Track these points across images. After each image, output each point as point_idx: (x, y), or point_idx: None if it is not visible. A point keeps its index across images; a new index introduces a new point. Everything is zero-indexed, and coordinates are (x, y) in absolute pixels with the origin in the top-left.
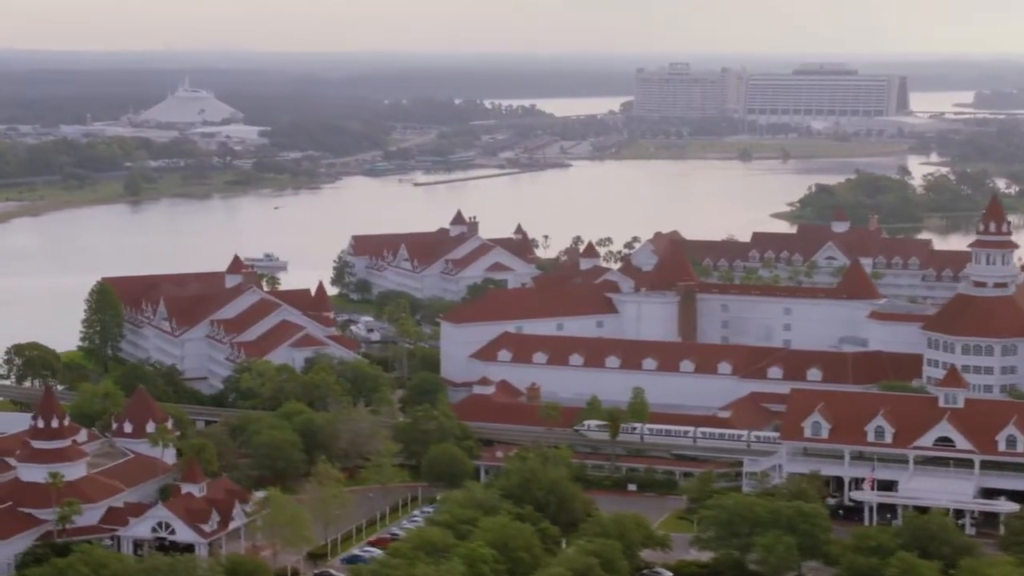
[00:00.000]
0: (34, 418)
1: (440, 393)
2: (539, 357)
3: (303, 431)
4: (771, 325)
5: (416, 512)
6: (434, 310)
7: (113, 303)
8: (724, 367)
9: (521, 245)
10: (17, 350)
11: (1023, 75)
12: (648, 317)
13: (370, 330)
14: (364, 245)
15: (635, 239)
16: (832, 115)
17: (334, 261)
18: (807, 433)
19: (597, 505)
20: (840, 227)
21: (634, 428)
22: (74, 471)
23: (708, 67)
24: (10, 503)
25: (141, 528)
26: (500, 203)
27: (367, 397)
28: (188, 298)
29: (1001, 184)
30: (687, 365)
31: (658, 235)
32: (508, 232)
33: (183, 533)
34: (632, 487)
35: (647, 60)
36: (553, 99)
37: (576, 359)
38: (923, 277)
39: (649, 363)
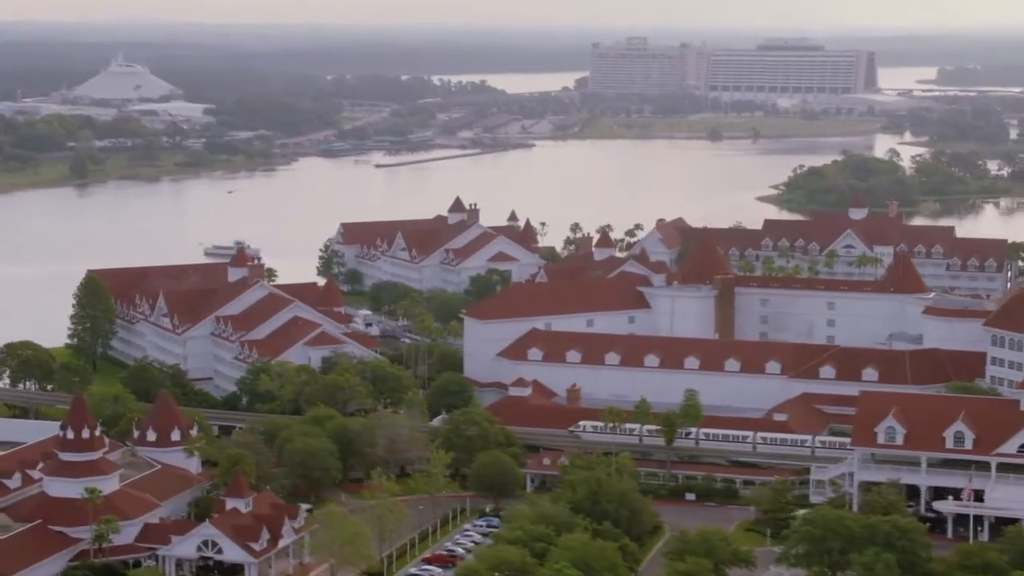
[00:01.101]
0: (63, 428)
1: (468, 394)
2: (572, 355)
3: (336, 438)
4: (814, 321)
5: (467, 526)
6: (436, 303)
7: (103, 297)
8: (772, 366)
9: (523, 234)
10: (9, 350)
11: (983, 50)
12: (683, 312)
13: (368, 324)
14: (354, 233)
15: (638, 226)
16: (798, 92)
17: (320, 250)
18: (880, 439)
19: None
20: (858, 214)
21: (688, 433)
22: (107, 486)
23: (667, 42)
24: (39, 520)
25: (185, 547)
26: (469, 186)
27: (388, 398)
28: (189, 292)
29: (993, 166)
30: (732, 364)
31: (661, 223)
32: (492, 218)
33: (231, 552)
34: (690, 496)
35: (602, 34)
36: (503, 75)
37: (612, 358)
38: (947, 266)
39: (691, 362)
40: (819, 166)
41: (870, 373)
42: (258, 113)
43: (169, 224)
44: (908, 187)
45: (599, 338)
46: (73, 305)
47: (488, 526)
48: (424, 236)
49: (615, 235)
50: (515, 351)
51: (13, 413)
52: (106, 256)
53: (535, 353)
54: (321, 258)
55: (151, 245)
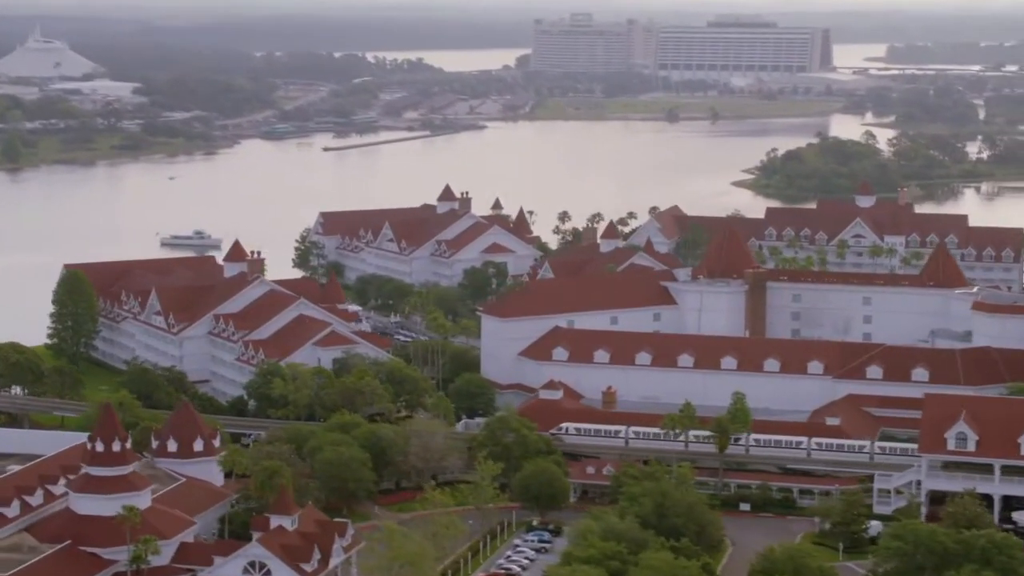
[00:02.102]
0: (91, 440)
1: (490, 397)
2: (600, 355)
3: (367, 446)
4: (850, 317)
5: (517, 540)
6: (432, 298)
7: (86, 294)
8: (815, 366)
9: (517, 224)
10: None
11: (930, 28)
12: (712, 308)
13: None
14: (335, 223)
15: (631, 215)
16: (751, 71)
17: (296, 240)
18: (951, 445)
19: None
20: (865, 201)
21: (737, 438)
22: (140, 502)
23: (612, 18)
24: (69, 541)
25: (230, 568)
26: (428, 171)
27: (404, 402)
28: (183, 289)
29: (973, 149)
30: (772, 364)
31: (654, 211)
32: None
33: (280, 574)
34: (745, 507)
35: (544, 10)
36: (440, 51)
37: (643, 357)
38: (962, 256)
39: (728, 362)
40: (795, 150)
41: (920, 373)
42: (192, 93)
43: (118, 212)
44: (890, 172)
45: (628, 337)
46: (53, 302)
47: (540, 541)
48: (412, 226)
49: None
50: (539, 351)
51: (7, 421)
52: (58, 247)
53: (560, 353)
54: (297, 249)
55: (104, 235)
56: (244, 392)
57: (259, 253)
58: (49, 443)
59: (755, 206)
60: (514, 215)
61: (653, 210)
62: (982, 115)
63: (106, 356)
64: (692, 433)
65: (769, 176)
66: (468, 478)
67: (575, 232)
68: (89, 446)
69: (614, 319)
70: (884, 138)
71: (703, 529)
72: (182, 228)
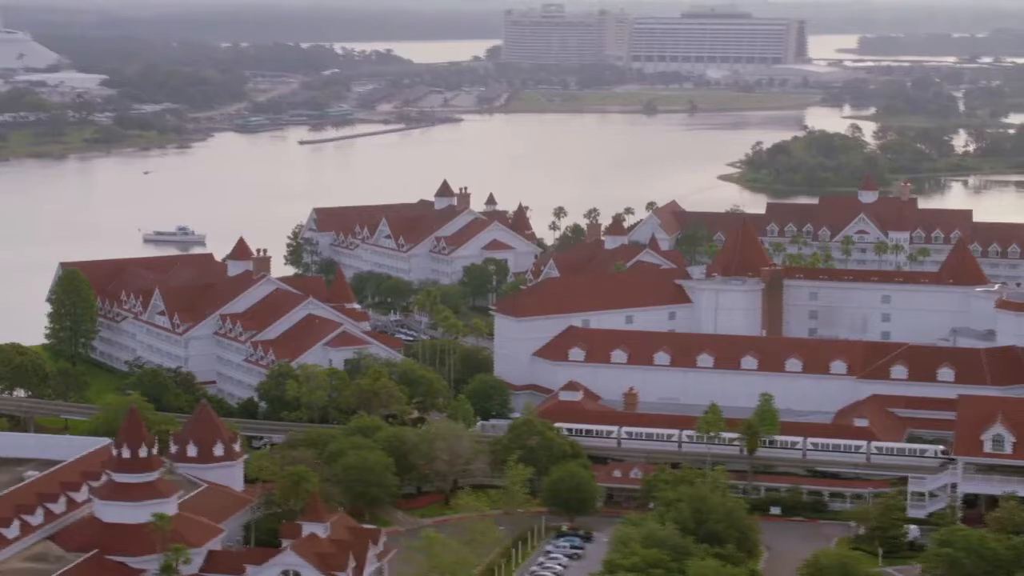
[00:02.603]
0: (117, 446)
1: (505, 398)
2: (618, 355)
3: (390, 450)
4: (868, 315)
5: (549, 546)
6: (436, 296)
7: (84, 293)
8: (838, 366)
9: (516, 220)
10: None
11: (897, 18)
12: (729, 307)
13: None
14: (329, 219)
15: (628, 210)
16: (726, 62)
17: (288, 237)
18: (987, 447)
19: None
20: (868, 197)
21: (769, 441)
22: (167, 510)
23: (584, 9)
24: (96, 550)
25: None
26: (407, 164)
27: (420, 403)
28: (186, 288)
29: (960, 143)
30: (793, 364)
31: (651, 207)
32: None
33: None
34: (775, 510)
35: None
36: (408, 43)
37: (662, 357)
38: None
39: (748, 362)
40: (781, 143)
41: (945, 373)
42: (162, 85)
43: (96, 208)
44: (879, 166)
45: (646, 336)
46: (50, 301)
47: (572, 547)
48: (410, 222)
49: (601, 219)
50: (554, 351)
51: (15, 425)
52: (38, 243)
53: (576, 353)
54: (289, 246)
55: (84, 231)
56: (255, 394)
57: (265, 251)
58: (64, 448)
59: (744, 200)
60: (502, 209)
61: (651, 206)
62: (962, 108)
63: (104, 357)
64: (687, 434)
65: (756, 170)
66: (492, 482)
67: (576, 228)
68: (114, 452)
69: (629, 318)
70: (867, 131)
71: (743, 535)
72: (165, 224)
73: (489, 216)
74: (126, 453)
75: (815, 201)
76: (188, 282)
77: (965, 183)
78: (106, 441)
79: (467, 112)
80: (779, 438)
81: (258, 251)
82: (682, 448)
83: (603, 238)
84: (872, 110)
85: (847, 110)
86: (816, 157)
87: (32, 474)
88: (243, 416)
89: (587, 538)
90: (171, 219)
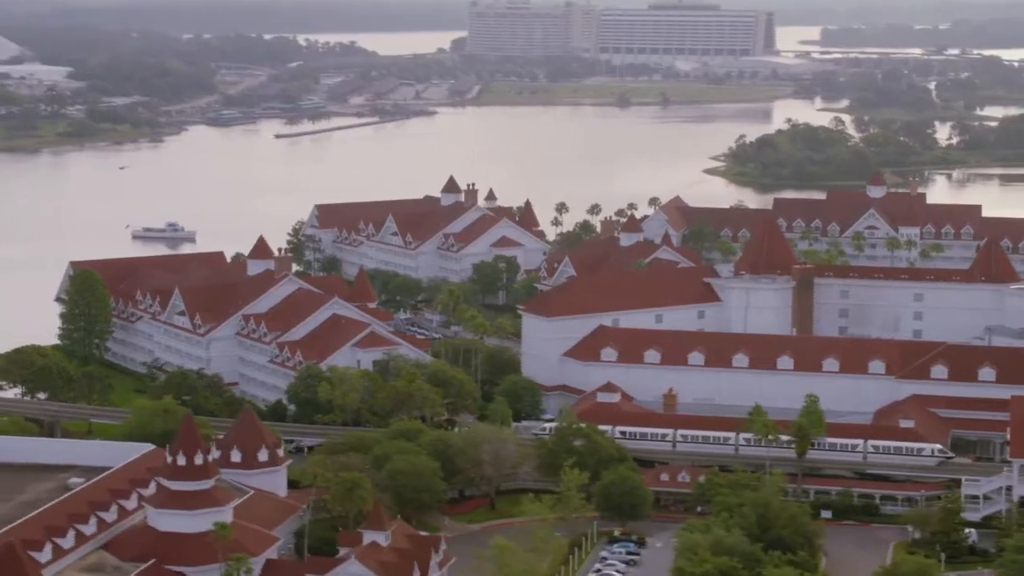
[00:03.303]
0: (172, 453)
1: (537, 400)
2: (651, 355)
3: (434, 454)
4: (899, 314)
5: (604, 553)
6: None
7: (99, 293)
8: (876, 366)
9: (524, 217)
10: (15, 355)
11: (857, 9)
12: (759, 306)
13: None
14: (331, 216)
15: (631, 206)
16: (694, 54)
17: (288, 234)
18: None
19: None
20: (876, 192)
21: (819, 443)
22: (223, 518)
23: (550, 0)
24: (154, 560)
25: None
26: (388, 158)
27: (452, 405)
28: (206, 288)
29: (943, 135)
30: (831, 364)
31: (655, 202)
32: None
33: None
34: (826, 514)
35: None
36: (372, 34)
37: (696, 357)
38: (978, 248)
39: (785, 361)
40: (766, 137)
41: (987, 373)
42: (130, 78)
43: (79, 204)
44: (866, 159)
45: (679, 336)
46: (64, 301)
47: (628, 553)
48: (416, 219)
49: (604, 215)
50: (585, 351)
51: (43, 431)
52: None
53: (609, 353)
54: (290, 243)
55: (70, 228)
56: (284, 396)
57: (285, 250)
58: (104, 454)
59: (731, 195)
60: (505, 206)
61: (654, 201)
62: (936, 100)
63: (118, 358)
64: (745, 436)
65: (743, 164)
66: (538, 486)
67: (585, 225)
68: (169, 459)
69: (659, 317)
70: (846, 124)
71: (807, 540)
72: (153, 220)
73: (496, 212)
74: (181, 460)
75: (804, 195)
76: (206, 281)
77: (949, 176)
78: (149, 446)
79: (439, 105)
80: (836, 440)
81: (279, 250)
82: (739, 451)
83: (618, 235)
84: (844, 102)
85: (818, 102)
86: (802, 151)
87: (76, 481)
88: (272, 419)
89: (641, 543)
90: (156, 215)
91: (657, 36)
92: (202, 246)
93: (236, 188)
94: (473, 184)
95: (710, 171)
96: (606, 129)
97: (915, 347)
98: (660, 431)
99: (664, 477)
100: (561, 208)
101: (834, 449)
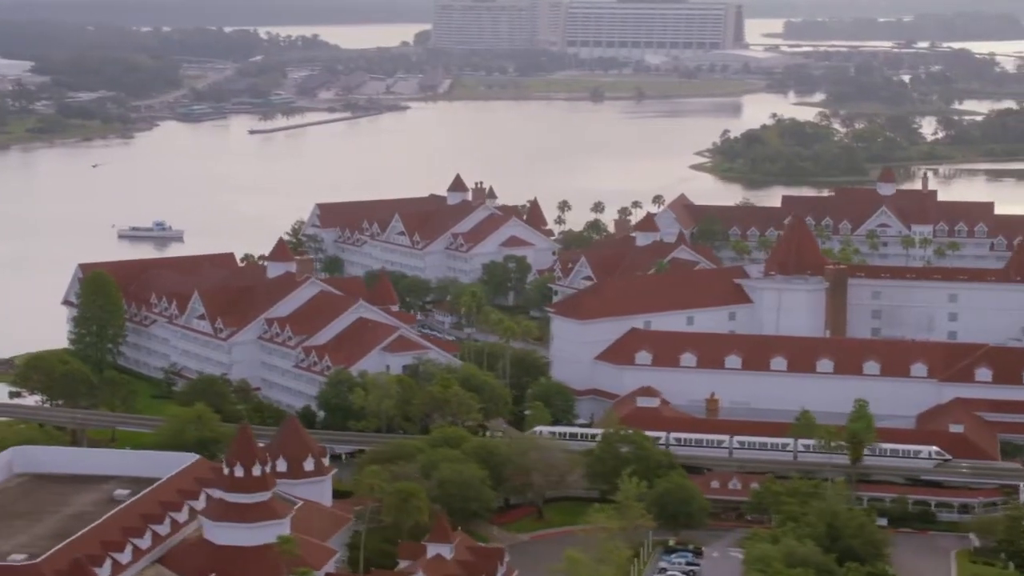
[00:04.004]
0: (229, 464)
1: (570, 404)
2: (687, 358)
3: (480, 462)
4: (933, 315)
5: (662, 563)
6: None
7: (112, 296)
8: (918, 368)
9: (532, 215)
10: (36, 362)
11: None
12: (792, 307)
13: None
14: (333, 215)
15: (636, 204)
16: (663, 48)
17: (287, 233)
18: None
19: None
20: (886, 189)
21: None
22: (282, 531)
23: None
24: (213, 574)
25: None
26: (368, 155)
27: (483, 410)
28: (225, 291)
29: (928, 130)
30: (872, 366)
31: (658, 200)
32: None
33: None
34: (882, 522)
35: None
36: (334, 27)
37: (733, 360)
38: (991, 246)
39: (824, 364)
40: (750, 131)
41: None
42: (96, 73)
43: (57, 203)
44: (855, 155)
45: (715, 338)
46: (76, 304)
47: (688, 563)
48: (423, 218)
49: (608, 214)
50: (619, 354)
51: (71, 439)
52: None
53: (643, 356)
54: (290, 242)
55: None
56: (313, 402)
57: (307, 252)
58: (145, 464)
59: (720, 191)
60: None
61: (658, 199)
62: (914, 94)
63: (131, 362)
64: (804, 443)
65: (731, 159)
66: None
67: (595, 224)
68: (227, 471)
69: (690, 319)
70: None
71: (877, 550)
72: (139, 219)
73: (506, 211)
74: (239, 471)
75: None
76: (224, 284)
77: (935, 171)
78: (192, 456)
79: (410, 99)
80: (901, 447)
81: (299, 252)
82: (797, 458)
83: (633, 234)
84: (819, 96)
85: (792, 96)
86: (790, 146)
87: (122, 493)
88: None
89: (698, 553)
90: (139, 214)
91: (625, 29)
92: (191, 245)
93: (217, 185)
94: (481, 183)
95: (697, 167)
96: (582, 124)
97: (957, 349)
98: (716, 437)
99: (715, 484)
100: (564, 206)
101: (884, 455)
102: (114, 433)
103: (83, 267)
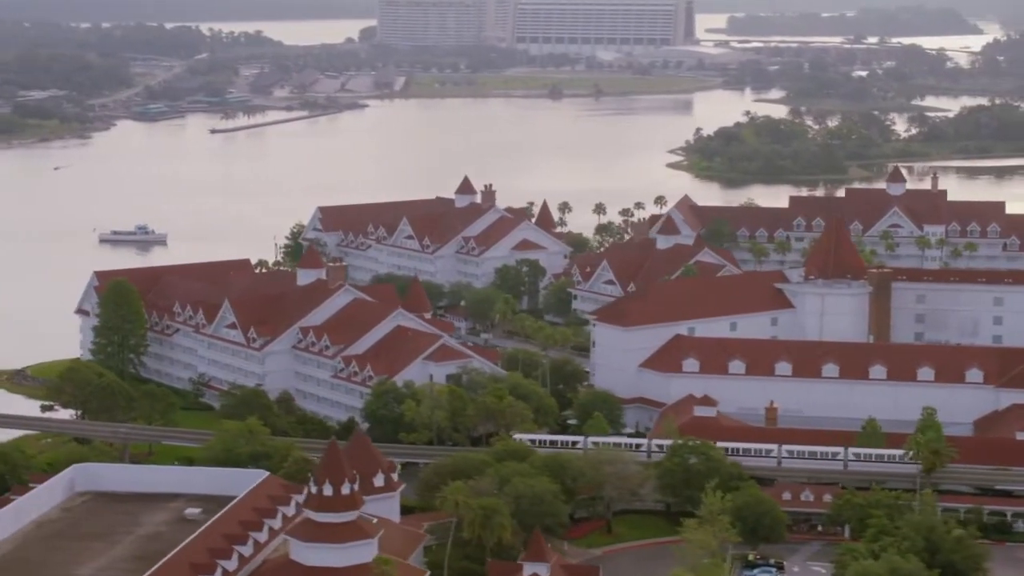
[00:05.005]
0: (317, 483)
1: (618, 414)
2: (736, 365)
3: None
4: (978, 318)
5: None
6: (473, 301)
7: (134, 305)
8: (974, 374)
9: (542, 217)
10: (72, 375)
11: None
12: (835, 312)
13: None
14: (336, 218)
15: (638, 205)
16: (614, 44)
17: (287, 237)
18: None
19: None
20: (896, 189)
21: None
22: (372, 551)
23: None
24: None
25: None
26: (335, 154)
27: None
28: (255, 299)
29: (901, 127)
30: (926, 372)
31: (660, 201)
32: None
33: None
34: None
35: None
36: (277, 22)
37: (783, 367)
38: (1004, 246)
39: (877, 371)
40: (723, 129)
41: None
42: (44, 71)
43: (28, 206)
44: (834, 153)
45: (764, 345)
46: (96, 314)
47: None
48: (431, 221)
49: (610, 216)
50: (665, 361)
51: (118, 456)
52: None
53: (691, 364)
54: (288, 246)
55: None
56: (356, 413)
57: (342, 260)
58: (211, 481)
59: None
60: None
61: (660, 200)
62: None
63: (151, 373)
64: (853, 451)
65: (709, 158)
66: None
67: (607, 227)
68: (315, 489)
69: (733, 325)
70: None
71: (976, 564)
72: (120, 223)
73: (515, 214)
74: (328, 490)
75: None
76: (254, 292)
77: (910, 169)
78: (262, 473)
79: (365, 97)
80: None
81: (333, 259)
82: (848, 467)
83: (654, 237)
84: (776, 93)
85: (748, 93)
86: (768, 144)
87: (193, 511)
88: (346, 439)
89: (780, 568)
90: (114, 217)
91: (576, 25)
92: (175, 250)
93: (191, 187)
94: (490, 185)
95: (673, 166)
96: (546, 122)
97: (1013, 354)
98: (788, 447)
99: (786, 496)
100: (564, 208)
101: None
102: (151, 447)
103: (99, 275)
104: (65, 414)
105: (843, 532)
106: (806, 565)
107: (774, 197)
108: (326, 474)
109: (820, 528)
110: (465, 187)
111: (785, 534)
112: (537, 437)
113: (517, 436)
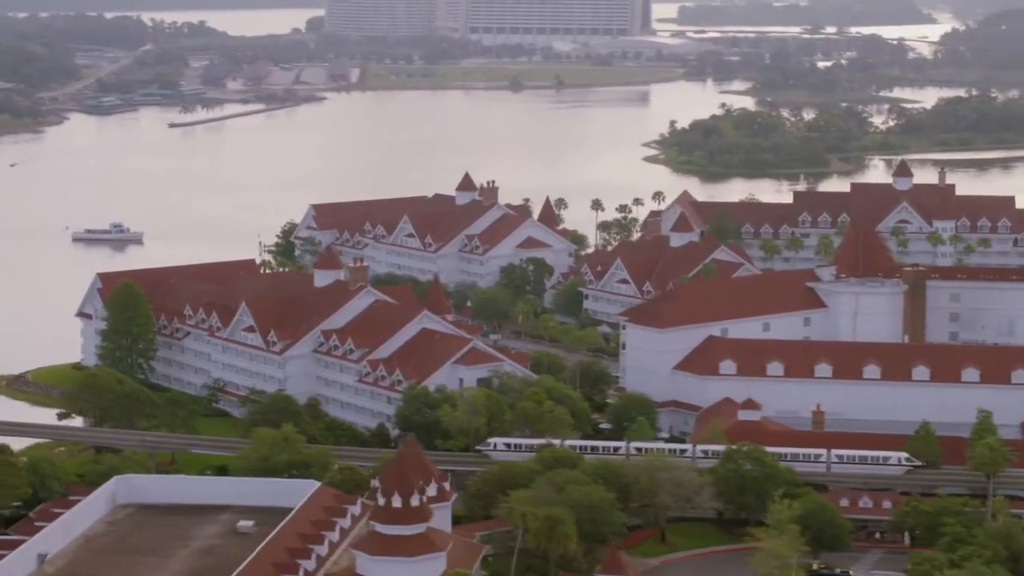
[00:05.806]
0: (385, 494)
1: (653, 418)
2: (774, 367)
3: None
4: (1014, 317)
5: None
6: (480, 301)
7: (142, 308)
8: (1019, 375)
9: (544, 214)
10: (91, 381)
11: None
12: (869, 311)
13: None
14: (330, 216)
15: (637, 201)
16: (570, 34)
17: (277, 236)
18: None
19: None
20: (904, 184)
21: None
22: (441, 565)
23: None
24: None
25: None
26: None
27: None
28: (274, 301)
29: (879, 120)
30: (970, 374)
31: (658, 196)
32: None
33: None
34: None
35: None
36: (220, 12)
37: (823, 369)
38: (1015, 241)
39: (920, 372)
40: (700, 121)
41: None
42: None
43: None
44: (815, 146)
45: (803, 346)
46: (104, 318)
47: None
48: (432, 219)
49: (607, 213)
50: (701, 363)
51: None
52: None
53: (727, 366)
54: (279, 245)
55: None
56: (384, 419)
57: (361, 260)
58: (263, 492)
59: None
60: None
61: (658, 196)
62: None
63: (160, 377)
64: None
65: (688, 151)
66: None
67: (617, 224)
68: (383, 501)
69: (766, 325)
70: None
71: None
72: (96, 221)
73: (519, 211)
74: (396, 502)
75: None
76: (270, 294)
77: (888, 163)
78: (313, 484)
79: (321, 90)
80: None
81: (355, 260)
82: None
83: (668, 234)
84: (739, 84)
85: (711, 84)
86: (747, 137)
87: (246, 524)
88: (378, 445)
89: None
90: (84, 215)
91: (530, 15)
92: (152, 249)
93: (157, 184)
94: (493, 182)
95: (650, 159)
96: (510, 115)
97: None
98: (840, 452)
99: (844, 502)
100: (560, 204)
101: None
102: (174, 456)
103: (103, 276)
104: (76, 421)
105: (903, 539)
106: (871, 574)
107: (758, 191)
108: (394, 485)
109: (879, 535)
110: (466, 184)
111: (849, 542)
112: (583, 444)
113: (493, 440)
